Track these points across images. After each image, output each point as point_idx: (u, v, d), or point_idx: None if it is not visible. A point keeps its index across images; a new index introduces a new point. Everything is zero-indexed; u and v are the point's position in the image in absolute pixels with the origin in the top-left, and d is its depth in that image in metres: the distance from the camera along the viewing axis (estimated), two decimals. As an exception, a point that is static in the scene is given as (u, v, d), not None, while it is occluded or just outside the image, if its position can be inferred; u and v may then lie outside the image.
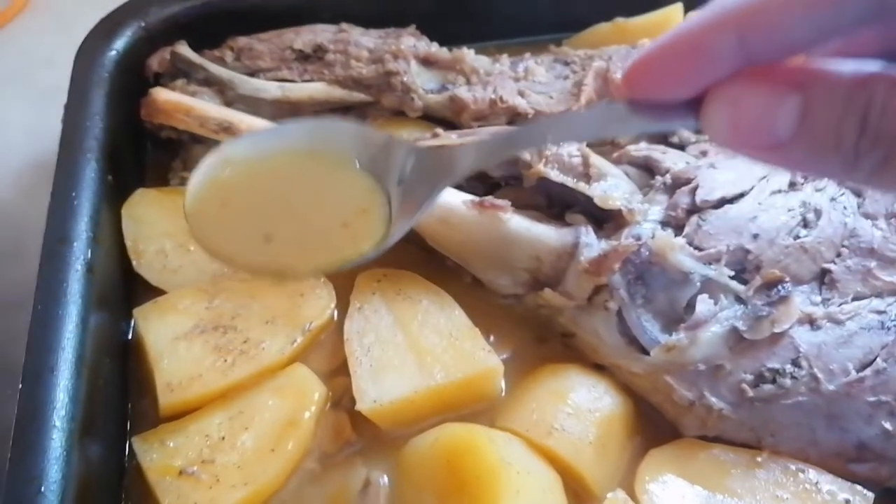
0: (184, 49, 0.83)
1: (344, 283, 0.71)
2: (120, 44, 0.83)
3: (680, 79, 0.33)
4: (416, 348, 0.66)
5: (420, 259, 0.74)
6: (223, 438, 0.62)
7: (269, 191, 0.49)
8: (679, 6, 0.90)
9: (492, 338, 0.70)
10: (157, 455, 0.61)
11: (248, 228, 0.48)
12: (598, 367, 0.68)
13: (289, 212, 0.49)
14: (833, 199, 0.67)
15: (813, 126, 0.32)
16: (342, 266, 0.47)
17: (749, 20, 0.32)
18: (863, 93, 0.31)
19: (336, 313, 0.70)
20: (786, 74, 0.33)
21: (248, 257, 0.48)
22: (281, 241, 0.48)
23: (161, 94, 0.75)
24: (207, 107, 0.75)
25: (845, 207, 0.66)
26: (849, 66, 0.32)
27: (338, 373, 0.67)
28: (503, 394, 0.68)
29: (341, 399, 0.65)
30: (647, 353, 0.63)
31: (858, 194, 0.67)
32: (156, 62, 0.84)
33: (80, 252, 0.65)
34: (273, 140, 0.51)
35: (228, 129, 0.72)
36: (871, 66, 0.32)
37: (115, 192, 0.75)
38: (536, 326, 0.71)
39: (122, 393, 0.67)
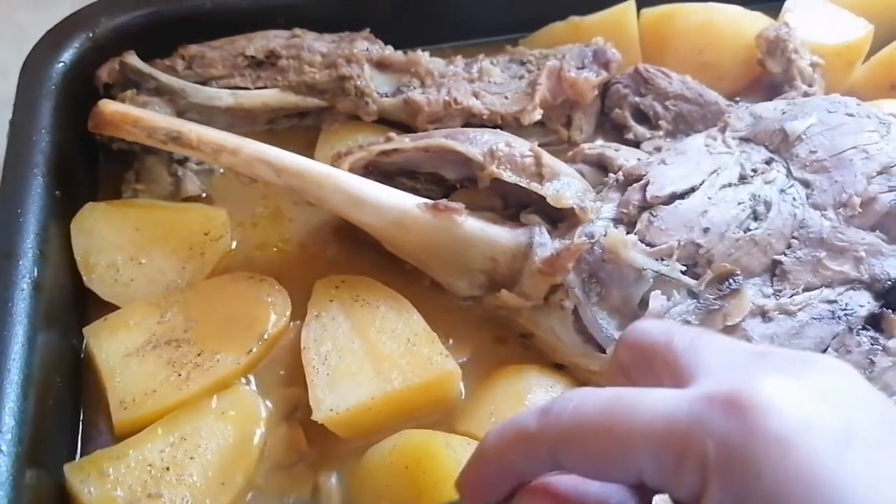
0: (133, 59, 0.82)
1: (301, 290, 0.71)
2: (67, 56, 0.82)
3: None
4: (373, 355, 0.65)
5: (379, 264, 0.74)
6: (168, 469, 0.58)
7: None
8: (632, 3, 0.91)
9: (451, 341, 0.69)
10: (95, 487, 0.57)
11: None
12: (558, 367, 0.68)
13: None
14: (782, 191, 0.67)
15: None
16: None
17: None
18: None
19: (292, 322, 0.70)
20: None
21: None
22: None
23: (108, 106, 0.73)
24: (155, 117, 0.73)
25: (794, 199, 0.67)
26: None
27: (294, 383, 0.66)
28: (463, 397, 0.67)
29: (296, 410, 0.64)
30: (603, 350, 0.63)
31: (807, 185, 0.67)
32: (105, 73, 0.82)
33: (25, 270, 0.64)
34: None
35: (177, 139, 0.71)
36: None
37: (65, 206, 0.73)
38: (496, 328, 0.71)
39: (75, 413, 0.66)
